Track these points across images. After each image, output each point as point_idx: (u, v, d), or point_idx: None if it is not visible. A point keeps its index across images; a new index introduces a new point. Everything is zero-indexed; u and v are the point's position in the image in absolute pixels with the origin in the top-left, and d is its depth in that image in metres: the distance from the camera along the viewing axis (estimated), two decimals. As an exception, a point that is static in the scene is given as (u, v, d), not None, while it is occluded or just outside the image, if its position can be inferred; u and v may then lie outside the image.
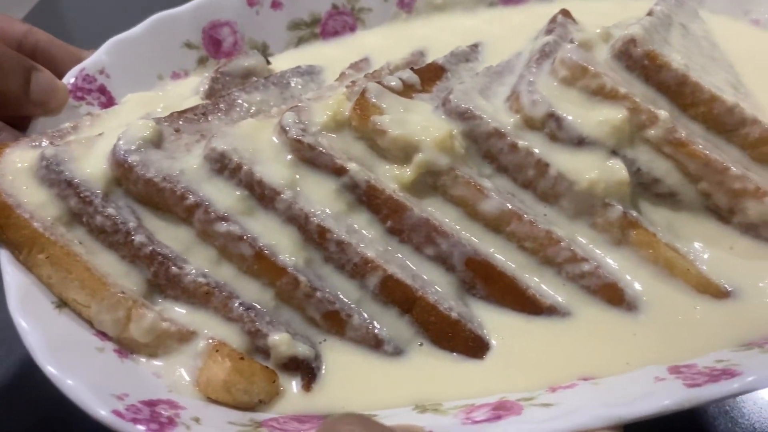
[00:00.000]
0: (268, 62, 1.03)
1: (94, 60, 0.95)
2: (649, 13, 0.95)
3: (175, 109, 0.86)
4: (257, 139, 0.78)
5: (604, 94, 0.79)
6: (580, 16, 1.08)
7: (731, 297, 0.74)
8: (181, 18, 1.02)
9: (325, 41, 1.10)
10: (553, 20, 1.01)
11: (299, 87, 0.98)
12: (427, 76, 0.91)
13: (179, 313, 0.73)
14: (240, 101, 0.90)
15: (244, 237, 0.72)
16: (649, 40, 0.83)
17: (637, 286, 0.75)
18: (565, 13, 1.04)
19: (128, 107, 0.90)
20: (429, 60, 1.02)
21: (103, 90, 0.95)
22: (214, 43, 1.05)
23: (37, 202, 0.74)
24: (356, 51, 1.06)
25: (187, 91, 0.95)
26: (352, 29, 1.11)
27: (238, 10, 1.05)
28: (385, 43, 1.08)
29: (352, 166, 0.76)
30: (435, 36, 1.08)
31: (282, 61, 1.05)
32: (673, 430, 0.75)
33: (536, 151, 0.79)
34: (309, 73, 1.02)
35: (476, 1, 1.15)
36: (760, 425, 0.81)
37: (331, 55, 1.06)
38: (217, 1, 1.05)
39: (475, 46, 1.04)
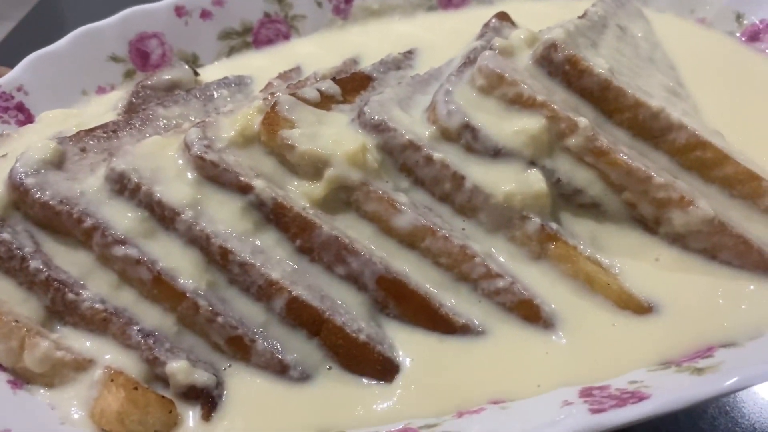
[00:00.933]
0: (196, 73, 1.00)
1: (11, 77, 0.92)
2: (582, 15, 0.92)
3: (90, 125, 0.83)
4: (161, 158, 0.75)
5: (521, 103, 0.76)
6: (520, 18, 1.06)
7: (653, 312, 0.71)
8: (106, 30, 1.00)
9: (258, 50, 1.07)
10: (487, 25, 0.98)
11: (226, 99, 0.96)
12: (351, 86, 0.88)
13: (77, 340, 0.70)
14: (156, 116, 0.87)
15: (142, 260, 0.70)
16: (572, 45, 0.80)
17: (555, 302, 0.72)
18: (502, 16, 1.01)
19: (42, 126, 0.88)
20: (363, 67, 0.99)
21: (21, 107, 0.92)
22: (141, 55, 1.02)
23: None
24: (289, 60, 1.04)
25: (105, 107, 0.92)
26: (286, 37, 1.09)
27: (166, 21, 1.03)
28: (319, 51, 1.05)
29: (258, 183, 0.73)
30: (370, 43, 1.05)
31: (213, 72, 1.03)
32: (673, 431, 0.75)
33: (451, 163, 0.76)
34: (237, 83, 0.99)
35: (415, 6, 1.12)
36: (760, 425, 0.78)
37: (263, 65, 1.03)
38: (145, 12, 1.03)
39: (409, 53, 1.01)
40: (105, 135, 0.81)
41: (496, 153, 0.76)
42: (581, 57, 0.78)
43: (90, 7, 1.75)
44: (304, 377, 0.69)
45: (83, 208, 0.72)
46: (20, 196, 0.72)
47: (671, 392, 0.58)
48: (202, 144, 0.74)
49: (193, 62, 1.04)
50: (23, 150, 0.76)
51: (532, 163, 0.76)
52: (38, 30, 1.66)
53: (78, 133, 0.80)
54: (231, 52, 1.07)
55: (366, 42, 1.06)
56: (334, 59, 1.02)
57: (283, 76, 0.98)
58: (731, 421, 0.79)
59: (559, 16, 1.04)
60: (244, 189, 0.73)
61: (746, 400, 0.81)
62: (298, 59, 1.04)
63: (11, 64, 1.40)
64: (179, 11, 1.03)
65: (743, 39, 1.04)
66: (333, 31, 1.10)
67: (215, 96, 0.94)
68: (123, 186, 0.73)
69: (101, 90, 0.99)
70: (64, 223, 0.72)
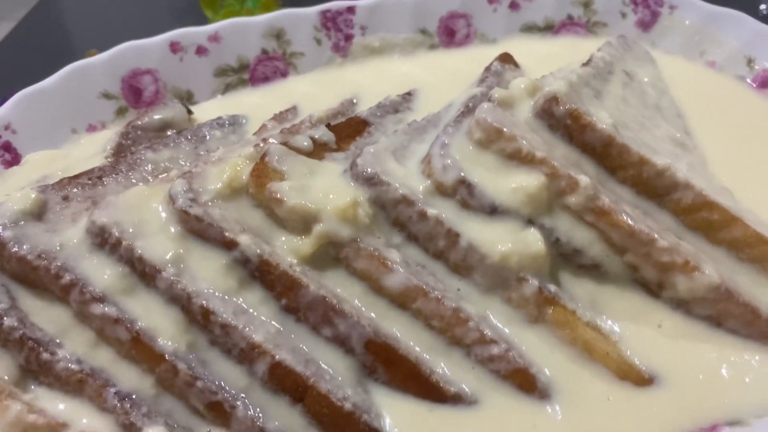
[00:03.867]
0: (190, 112, 0.98)
1: (-2, 115, 0.90)
2: (587, 62, 0.89)
3: (77, 168, 0.81)
4: (144, 210, 0.73)
5: (520, 159, 0.73)
6: (524, 58, 1.03)
7: (654, 384, 0.68)
8: (97, 67, 0.98)
9: (254, 87, 1.05)
10: (488, 68, 0.95)
11: (219, 140, 0.93)
12: (345, 132, 0.86)
13: (51, 402, 0.67)
14: (145, 161, 0.84)
15: (121, 319, 0.67)
16: (574, 97, 0.77)
17: (552, 370, 0.69)
18: (505, 58, 0.98)
19: (27, 168, 0.86)
20: (361, 108, 0.97)
21: (7, 147, 0.90)
22: (134, 92, 1.00)
23: None
24: (286, 98, 1.01)
25: (94, 148, 0.90)
26: (284, 74, 1.06)
27: (160, 57, 1.01)
28: (316, 90, 1.03)
29: (243, 239, 0.70)
30: (368, 82, 1.03)
31: (207, 110, 1.00)
32: None
33: (446, 219, 0.73)
34: (231, 124, 0.96)
35: (416, 44, 1.09)
36: None
37: (259, 103, 1.01)
38: (138, 47, 1.00)
39: (408, 95, 0.98)
40: (89, 182, 0.79)
41: (493, 210, 0.73)
42: (584, 111, 0.75)
43: (90, 7, 1.74)
44: (286, 446, 0.66)
45: (62, 263, 0.69)
46: (-3, 249, 0.69)
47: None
48: (186, 197, 0.72)
49: (188, 99, 1.01)
50: (3, 198, 0.74)
51: (530, 222, 0.73)
52: (38, 30, 1.64)
53: (61, 180, 0.78)
54: (227, 89, 1.04)
55: (365, 81, 1.03)
56: (331, 99, 0.99)
57: (278, 117, 0.96)
58: None
59: (565, 56, 1.01)
60: (228, 245, 0.70)
61: None
62: (295, 98, 1.01)
63: (11, 64, 1.39)
64: (174, 47, 1.01)
65: (754, 85, 1.01)
66: (332, 69, 1.07)
67: (207, 138, 0.92)
68: (104, 240, 0.70)
69: (92, 128, 0.97)
70: (41, 278, 0.69)
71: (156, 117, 0.93)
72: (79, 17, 1.74)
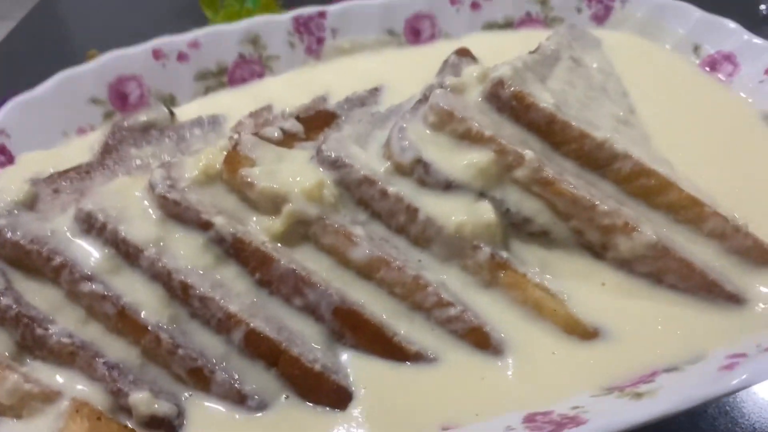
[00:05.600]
0: (172, 113, 1.04)
1: (-8, 121, 0.97)
2: (535, 50, 0.96)
3: (67, 166, 0.88)
4: (127, 197, 0.79)
5: (471, 138, 0.80)
6: (482, 51, 1.09)
7: (599, 337, 0.74)
8: (86, 74, 1.05)
9: (233, 89, 1.12)
10: (446, 61, 1.01)
11: (200, 137, 1.00)
12: (315, 123, 0.92)
13: (46, 373, 0.73)
14: (130, 156, 0.91)
15: (107, 296, 0.73)
16: (519, 80, 0.83)
17: (505, 328, 0.75)
18: (462, 52, 1.05)
19: (21, 167, 0.92)
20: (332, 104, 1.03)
21: (3, 150, 0.97)
22: (120, 97, 1.07)
23: None
24: (261, 98, 1.08)
25: (83, 148, 0.96)
26: (261, 76, 1.13)
27: (144, 64, 1.08)
28: (290, 89, 1.09)
29: (217, 220, 0.76)
30: (339, 81, 1.09)
31: (189, 112, 1.07)
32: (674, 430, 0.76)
33: (405, 196, 0.79)
34: (211, 123, 1.03)
35: (384, 43, 1.16)
36: (760, 425, 0.80)
37: (237, 104, 1.07)
38: (123, 55, 1.07)
39: (375, 90, 1.05)
40: (78, 176, 0.86)
41: (448, 186, 0.79)
42: (527, 93, 0.82)
43: (90, 8, 1.80)
44: (262, 406, 0.72)
45: (53, 247, 0.75)
46: (-7, 236, 0.76)
47: (606, 417, 0.61)
48: (165, 184, 0.78)
49: (171, 102, 1.08)
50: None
51: (482, 195, 0.79)
52: (38, 30, 1.68)
53: (52, 175, 0.84)
54: (207, 91, 1.11)
55: (335, 80, 1.10)
56: (304, 97, 1.06)
57: (254, 114, 1.02)
58: (731, 421, 0.81)
59: (521, 47, 1.07)
60: (204, 226, 0.77)
61: (746, 400, 0.82)
62: (271, 97, 1.08)
63: (11, 64, 1.43)
64: (157, 54, 1.08)
65: (705, 67, 1.07)
66: (305, 69, 1.14)
67: (188, 136, 0.98)
68: (90, 225, 0.77)
69: (81, 131, 1.04)
70: (34, 262, 0.76)
71: (141, 119, 0.99)
72: (78, 17, 1.81)
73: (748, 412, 0.81)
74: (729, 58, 1.04)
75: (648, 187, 0.80)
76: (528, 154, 0.78)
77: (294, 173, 0.80)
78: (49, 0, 1.86)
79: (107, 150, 0.95)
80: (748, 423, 0.80)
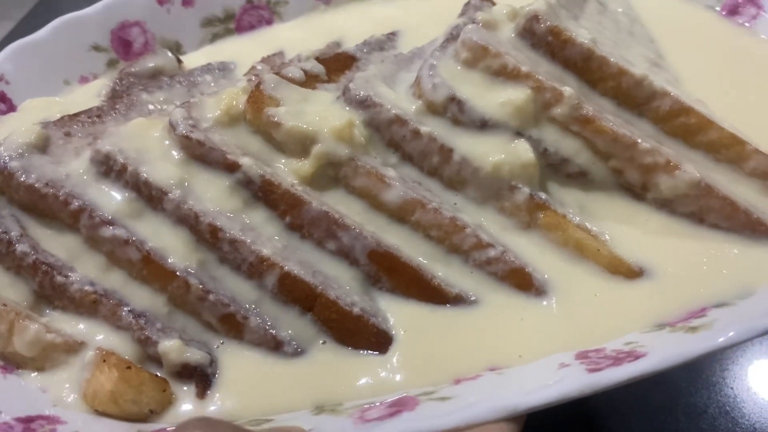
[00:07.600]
0: (179, 61, 1.00)
1: (-9, 67, 0.91)
2: (563, -10, 0.92)
3: (73, 113, 0.82)
4: (146, 139, 0.75)
5: (506, 74, 0.77)
6: (503, -2, 1.06)
7: (644, 276, 0.72)
8: (87, 20, 0.99)
9: (241, 36, 1.07)
10: (468, 3, 0.98)
11: (211, 84, 0.95)
12: (335, 66, 0.88)
13: (67, 323, 0.69)
14: (141, 101, 0.86)
15: (131, 241, 0.69)
16: (553, 16, 0.80)
17: (546, 270, 0.72)
18: (483, -6, 1.01)
19: (25, 114, 0.87)
20: (346, 51, 0.99)
21: (2, 97, 0.91)
22: (123, 44, 1.01)
23: None
24: (272, 45, 1.03)
25: (89, 95, 0.91)
26: (269, 23, 1.08)
27: (147, 10, 1.02)
28: (302, 35, 1.05)
29: (245, 161, 0.73)
30: (352, 26, 1.05)
31: (196, 59, 1.02)
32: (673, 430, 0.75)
33: (438, 136, 0.76)
34: (221, 69, 0.99)
35: (397, -11, 1.12)
36: (760, 425, 0.79)
37: (246, 50, 1.03)
38: (126, 1, 1.01)
39: (392, 35, 1.01)
40: (89, 120, 0.81)
41: (483, 125, 0.76)
42: (564, 28, 0.79)
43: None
44: (299, 352, 0.69)
45: (69, 191, 0.71)
46: (5, 180, 0.71)
47: (667, 349, 0.59)
48: (187, 123, 0.74)
49: (176, 50, 1.03)
50: (6, 136, 0.76)
51: (519, 134, 0.76)
52: (38, 30, 1.65)
53: (62, 118, 0.79)
54: (214, 38, 1.06)
55: (348, 25, 1.06)
56: (316, 43, 1.02)
57: (267, 60, 0.98)
58: (731, 421, 0.80)
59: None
60: (231, 167, 0.73)
61: (746, 400, 0.82)
62: (281, 44, 1.03)
63: None
64: (161, -1, 1.03)
65: (723, 13, 1.05)
66: (315, 15, 1.09)
67: (199, 81, 0.94)
68: (109, 167, 0.72)
69: (84, 79, 0.98)
70: (50, 206, 0.71)
71: (148, 64, 0.94)
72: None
73: (748, 412, 0.81)
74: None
75: (688, 126, 0.77)
76: (567, 90, 0.75)
77: (321, 113, 0.76)
78: (49, 0, 1.80)
79: (115, 96, 0.91)
80: (748, 423, 0.80)
